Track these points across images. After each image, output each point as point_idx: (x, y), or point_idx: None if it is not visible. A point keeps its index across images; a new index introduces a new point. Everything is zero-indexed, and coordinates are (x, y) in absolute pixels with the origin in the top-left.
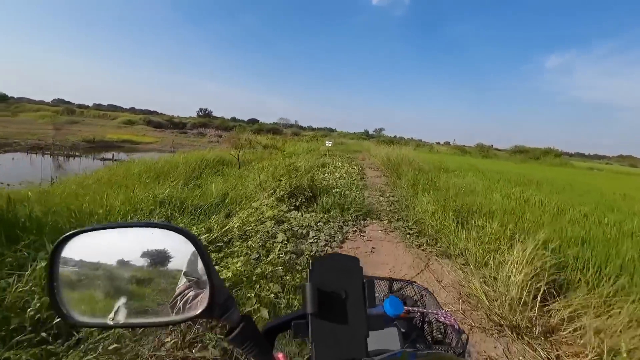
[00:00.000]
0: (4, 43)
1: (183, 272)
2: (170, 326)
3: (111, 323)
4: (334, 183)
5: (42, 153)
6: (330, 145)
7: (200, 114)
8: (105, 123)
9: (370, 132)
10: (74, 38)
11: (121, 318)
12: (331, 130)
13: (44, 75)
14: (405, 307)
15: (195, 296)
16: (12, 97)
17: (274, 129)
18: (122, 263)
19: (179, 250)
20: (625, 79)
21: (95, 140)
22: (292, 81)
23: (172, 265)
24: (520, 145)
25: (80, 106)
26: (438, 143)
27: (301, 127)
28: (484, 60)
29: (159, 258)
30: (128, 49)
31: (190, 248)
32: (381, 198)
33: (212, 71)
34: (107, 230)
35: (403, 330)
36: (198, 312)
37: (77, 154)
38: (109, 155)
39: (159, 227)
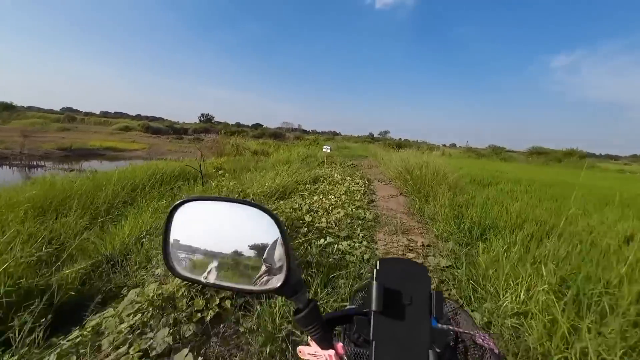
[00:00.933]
0: (18, 54)
1: (263, 258)
2: (250, 295)
3: (204, 281)
4: (325, 220)
5: (8, 163)
6: (328, 150)
7: (202, 119)
8: (100, 130)
9: (375, 135)
10: (85, 49)
11: (211, 278)
12: (335, 133)
13: (56, 85)
14: (439, 325)
15: (268, 281)
16: (21, 106)
17: (277, 134)
18: (220, 232)
19: (266, 232)
20: (634, 78)
21: (72, 147)
22: (297, 86)
23: (258, 242)
24: (537, 147)
25: (87, 114)
26: (445, 145)
27: (305, 131)
28: (488, 61)
29: (249, 233)
30: (137, 58)
31: (274, 233)
32: (412, 255)
33: (218, 78)
34: (213, 202)
35: (438, 350)
36: (274, 287)
37: (43, 163)
38: (87, 163)
39: (255, 207)
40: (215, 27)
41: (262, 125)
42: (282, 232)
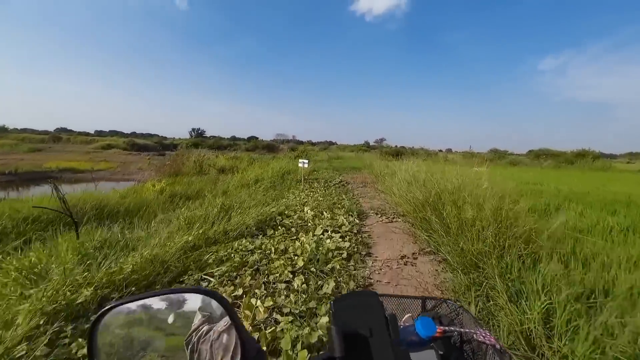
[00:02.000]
0: (14, 77)
1: (198, 307)
2: None
3: None
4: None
5: None
6: (305, 166)
7: (193, 134)
8: (77, 149)
9: (370, 143)
10: (79, 70)
11: None
12: (331, 143)
13: (52, 107)
14: (440, 327)
15: (208, 330)
16: (14, 128)
17: (270, 145)
18: (156, 330)
19: (210, 309)
20: (620, 77)
21: (17, 171)
22: (292, 98)
23: (205, 329)
24: (544, 149)
25: (80, 133)
26: (441, 150)
27: (300, 142)
28: (479, 66)
29: (193, 323)
30: (132, 77)
31: (220, 314)
32: None
33: (214, 93)
34: (143, 300)
35: (441, 352)
36: None
37: None
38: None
39: (188, 292)
40: (210, 43)
41: (257, 138)
42: (227, 308)
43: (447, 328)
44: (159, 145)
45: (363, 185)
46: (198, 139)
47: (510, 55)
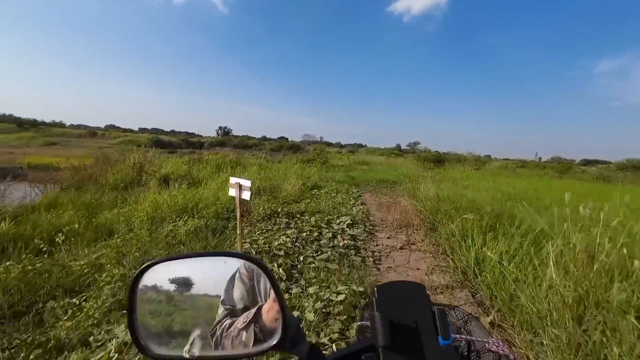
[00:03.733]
0: (75, 78)
1: (220, 300)
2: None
3: (187, 356)
4: None
5: None
6: (246, 196)
7: (220, 132)
8: (94, 144)
9: (402, 147)
10: (131, 72)
11: (196, 351)
12: (360, 145)
13: (105, 105)
14: (452, 339)
15: (230, 325)
16: (71, 124)
17: (295, 146)
18: (196, 292)
19: (254, 284)
20: None
21: None
22: (322, 100)
23: (245, 297)
24: (633, 159)
25: (125, 130)
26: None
27: (328, 144)
28: (523, 69)
29: (233, 289)
30: (175, 80)
31: (263, 285)
32: None
33: (250, 95)
34: (182, 260)
35: None
36: (271, 344)
37: None
38: None
39: (236, 257)
40: (246, 48)
41: (288, 139)
42: (272, 281)
43: (456, 336)
44: (185, 143)
45: (415, 264)
46: (225, 137)
47: (560, 57)
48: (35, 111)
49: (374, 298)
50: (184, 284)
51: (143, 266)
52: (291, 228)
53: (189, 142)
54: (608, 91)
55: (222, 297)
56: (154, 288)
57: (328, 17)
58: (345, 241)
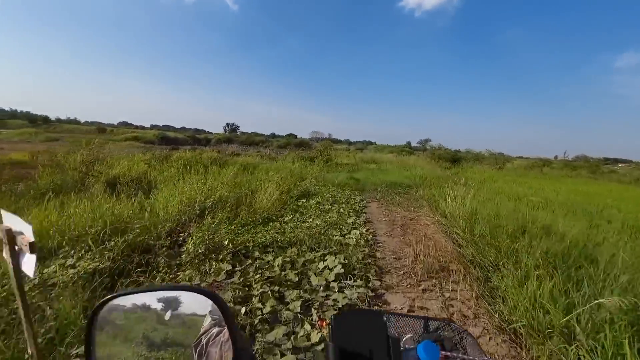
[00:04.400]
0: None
1: (209, 310)
2: None
3: None
4: None
5: None
6: (29, 270)
7: (227, 129)
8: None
9: (413, 144)
10: (144, 70)
11: None
12: (369, 143)
13: (120, 103)
14: (443, 352)
15: (218, 333)
16: (86, 121)
17: (303, 143)
18: (153, 324)
19: (205, 309)
20: None
21: None
22: (332, 97)
23: (199, 329)
24: None
25: (137, 127)
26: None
27: (336, 141)
28: (538, 65)
29: (187, 318)
30: (187, 78)
31: (215, 315)
32: None
33: (259, 92)
34: (139, 294)
35: None
36: None
37: None
38: None
39: (186, 290)
40: (256, 45)
41: (296, 136)
42: (222, 309)
43: (450, 354)
44: (191, 139)
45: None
46: (232, 134)
47: (577, 52)
48: (53, 109)
49: (330, 327)
50: (142, 316)
51: (101, 300)
52: (234, 286)
53: (196, 139)
54: (628, 88)
55: (210, 309)
56: (113, 321)
57: (338, 14)
58: (325, 329)
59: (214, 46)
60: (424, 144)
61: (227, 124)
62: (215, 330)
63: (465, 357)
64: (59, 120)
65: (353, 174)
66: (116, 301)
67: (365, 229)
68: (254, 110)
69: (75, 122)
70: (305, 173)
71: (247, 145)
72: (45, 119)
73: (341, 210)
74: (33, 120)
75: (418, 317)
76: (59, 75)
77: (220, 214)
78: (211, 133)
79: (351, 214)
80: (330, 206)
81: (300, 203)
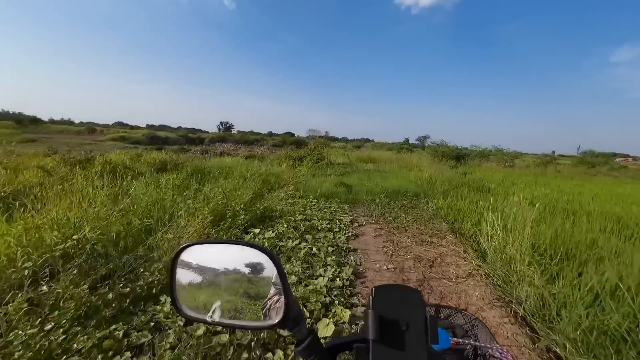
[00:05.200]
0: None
1: (272, 281)
2: (253, 330)
3: (209, 320)
4: None
5: None
6: None
7: (221, 128)
8: (80, 140)
9: (411, 141)
10: (139, 70)
11: (216, 317)
12: (367, 140)
13: (114, 103)
14: (454, 339)
15: (278, 300)
16: (80, 122)
17: (299, 141)
18: (222, 271)
19: (264, 269)
20: None
21: None
22: (329, 94)
23: (257, 279)
24: None
25: (132, 127)
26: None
27: (333, 138)
28: (536, 59)
29: (248, 272)
30: (184, 76)
31: (271, 270)
32: None
33: (255, 89)
34: (213, 244)
35: None
36: (274, 322)
37: None
38: None
39: (250, 247)
40: (253, 42)
41: (294, 134)
42: (278, 268)
43: (461, 340)
44: (184, 139)
45: None
46: (226, 132)
47: (575, 46)
48: (51, 110)
49: (370, 297)
50: (214, 263)
51: (181, 246)
52: None
53: (188, 138)
54: (625, 82)
55: (272, 280)
56: (189, 264)
57: (335, 11)
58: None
59: (210, 44)
60: (423, 140)
61: (221, 123)
62: (276, 297)
63: (476, 344)
64: (52, 121)
65: (345, 178)
66: (193, 248)
67: (352, 296)
68: (251, 108)
69: (69, 122)
70: (287, 177)
71: (241, 144)
72: (33, 120)
73: (314, 250)
74: (20, 121)
75: (429, 305)
76: (57, 77)
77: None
78: (207, 132)
79: (330, 258)
80: (296, 242)
81: (246, 237)
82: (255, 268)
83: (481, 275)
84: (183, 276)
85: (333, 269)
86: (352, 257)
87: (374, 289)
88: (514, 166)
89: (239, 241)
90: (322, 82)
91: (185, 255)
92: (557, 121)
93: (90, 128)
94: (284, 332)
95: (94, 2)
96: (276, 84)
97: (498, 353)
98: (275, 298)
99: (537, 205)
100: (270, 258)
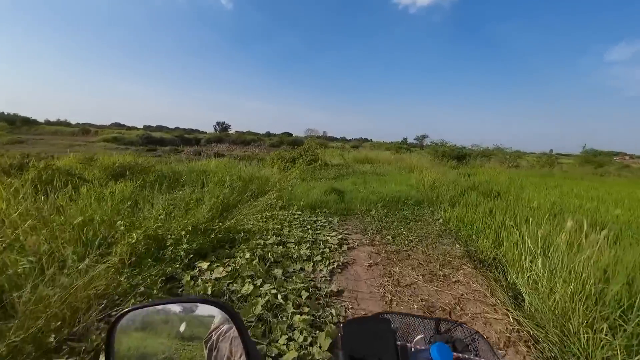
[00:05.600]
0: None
1: (229, 335)
2: None
3: None
4: None
5: None
6: None
7: (217, 128)
8: (69, 142)
9: (409, 141)
10: (136, 71)
11: None
12: (365, 140)
13: (111, 104)
14: (455, 354)
15: (228, 330)
16: (77, 123)
17: (297, 142)
18: (169, 335)
19: (221, 327)
20: None
21: None
22: (328, 95)
23: (213, 340)
24: None
25: (129, 127)
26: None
27: (331, 138)
28: (535, 56)
29: (202, 330)
30: (182, 77)
31: (228, 327)
32: None
33: (254, 90)
34: (159, 306)
35: None
36: None
37: None
38: None
39: (200, 302)
40: (251, 41)
41: (291, 134)
42: (235, 321)
43: (462, 355)
44: (179, 139)
45: None
46: (222, 133)
47: (571, 45)
48: (48, 111)
49: (339, 335)
50: (161, 330)
51: (118, 314)
52: None
53: (184, 139)
54: (621, 81)
55: (229, 334)
56: (129, 333)
57: (333, 10)
58: None
59: (208, 44)
60: (421, 140)
61: (218, 123)
62: (226, 326)
63: (477, 358)
64: (48, 123)
65: (338, 182)
66: (132, 314)
67: None
68: (250, 108)
69: (65, 123)
70: (274, 182)
71: (238, 144)
72: (26, 121)
73: (279, 298)
74: (12, 122)
75: (429, 318)
76: (57, 78)
77: None
78: (205, 132)
79: (299, 317)
80: (257, 283)
81: (179, 283)
82: (209, 328)
83: (525, 341)
84: (124, 348)
85: (302, 337)
86: (333, 311)
87: (342, 327)
88: (519, 166)
89: (189, 298)
90: (320, 82)
91: (126, 324)
92: (555, 120)
93: (85, 129)
94: None
95: (93, 2)
96: (275, 85)
97: None
98: (225, 323)
99: (603, 234)
100: (224, 311)
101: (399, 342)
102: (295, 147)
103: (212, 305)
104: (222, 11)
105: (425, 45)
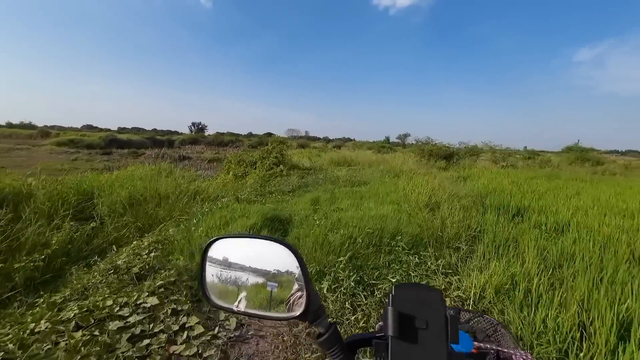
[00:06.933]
0: (49, 80)
1: (295, 277)
2: (275, 321)
3: (235, 309)
4: None
5: None
6: None
7: (193, 129)
8: (22, 144)
9: (391, 140)
10: (111, 72)
11: (242, 307)
12: (348, 139)
13: (81, 107)
14: (476, 343)
15: (301, 296)
16: (45, 125)
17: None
18: (247, 265)
19: (287, 264)
20: None
21: None
22: (309, 94)
23: (281, 273)
24: None
25: (101, 129)
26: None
27: (314, 138)
28: (510, 58)
29: (272, 266)
30: (159, 77)
31: (293, 265)
32: None
33: (235, 90)
34: (240, 238)
35: None
36: (296, 314)
37: None
38: None
39: (275, 242)
40: (232, 42)
41: (272, 134)
42: (300, 263)
43: (483, 345)
44: (150, 141)
45: None
46: (198, 134)
47: (542, 47)
48: (22, 114)
49: (390, 294)
50: (240, 257)
51: (210, 240)
52: None
53: (156, 140)
54: (588, 80)
55: (296, 276)
56: (218, 257)
57: (314, 12)
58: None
59: (187, 44)
60: (403, 138)
61: (193, 124)
62: (299, 293)
63: (498, 348)
64: (10, 125)
65: (292, 200)
66: (222, 241)
67: None
68: (233, 109)
69: (29, 126)
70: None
71: (215, 145)
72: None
73: None
74: None
75: (450, 308)
76: (26, 80)
77: None
78: (181, 133)
79: None
80: None
81: None
82: (278, 262)
83: None
84: (212, 267)
85: None
86: None
87: (394, 287)
88: (515, 166)
89: (265, 236)
90: (304, 83)
91: (215, 247)
92: (529, 117)
93: (44, 131)
94: None
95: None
96: (259, 86)
97: (522, 359)
98: (298, 294)
99: None
100: (294, 254)
101: (449, 312)
102: (259, 147)
103: (285, 246)
104: (202, 10)
105: (406, 45)
